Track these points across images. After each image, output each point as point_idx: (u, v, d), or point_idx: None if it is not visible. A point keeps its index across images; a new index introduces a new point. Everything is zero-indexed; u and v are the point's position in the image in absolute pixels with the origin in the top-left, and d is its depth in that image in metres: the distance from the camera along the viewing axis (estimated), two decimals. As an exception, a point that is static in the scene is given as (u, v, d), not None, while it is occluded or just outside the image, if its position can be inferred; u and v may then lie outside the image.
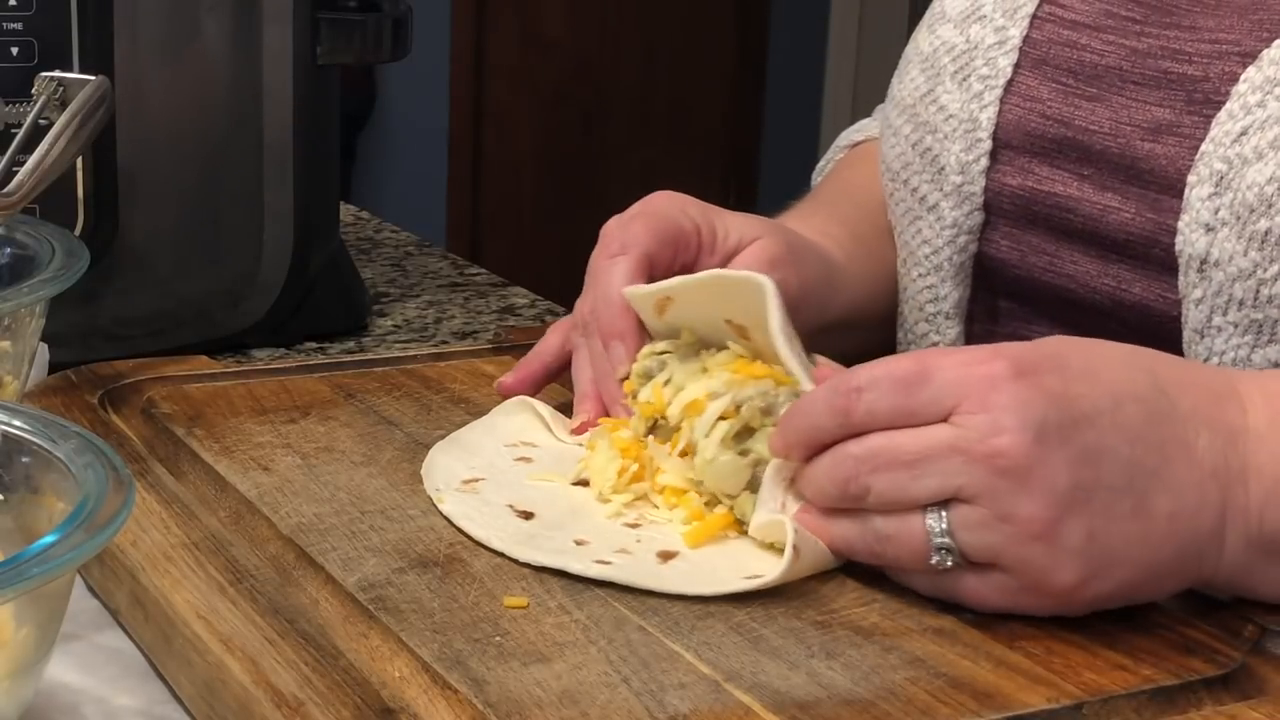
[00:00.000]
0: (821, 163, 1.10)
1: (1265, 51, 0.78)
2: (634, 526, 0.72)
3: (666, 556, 0.69)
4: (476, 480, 0.76)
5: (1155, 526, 0.63)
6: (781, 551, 0.67)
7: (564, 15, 4.28)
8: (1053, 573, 0.63)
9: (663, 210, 0.85)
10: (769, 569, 0.67)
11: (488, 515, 0.72)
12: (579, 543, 0.70)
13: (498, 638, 0.62)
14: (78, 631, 0.68)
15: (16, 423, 0.60)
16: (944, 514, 0.63)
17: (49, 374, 0.88)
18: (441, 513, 0.73)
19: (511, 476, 0.76)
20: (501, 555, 0.69)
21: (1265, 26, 0.79)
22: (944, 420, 0.63)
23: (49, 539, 0.52)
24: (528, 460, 0.78)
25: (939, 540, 0.63)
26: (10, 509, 0.60)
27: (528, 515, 0.73)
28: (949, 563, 0.64)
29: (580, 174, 4.31)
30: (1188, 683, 0.61)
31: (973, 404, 0.63)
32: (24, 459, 0.60)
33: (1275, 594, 0.66)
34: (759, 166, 4.67)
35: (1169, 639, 0.64)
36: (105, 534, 0.53)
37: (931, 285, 0.92)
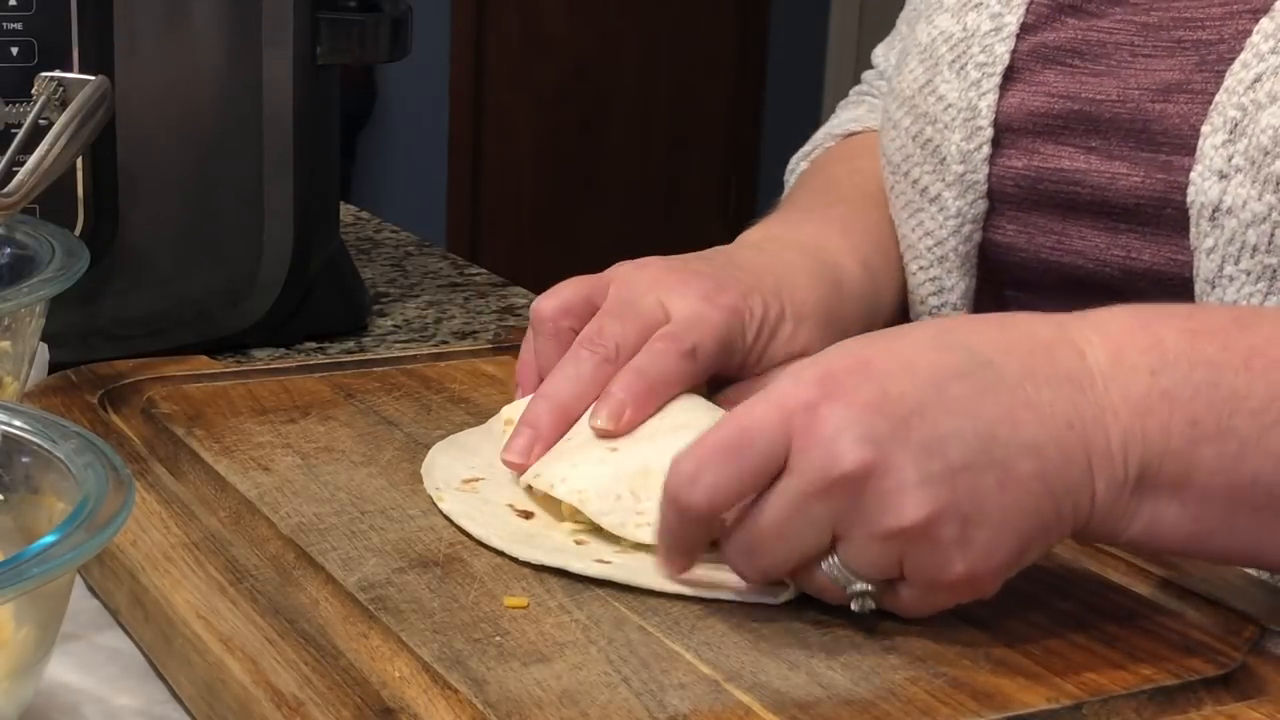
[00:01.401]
0: (808, 147, 1.08)
1: (1277, 2, 0.78)
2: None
3: None
4: (476, 480, 0.76)
5: (1026, 490, 0.62)
6: None
7: (564, 15, 4.28)
8: (945, 568, 0.62)
9: (734, 309, 0.80)
10: None
11: (487, 514, 0.72)
12: (579, 542, 0.70)
13: (498, 638, 0.62)
14: (78, 631, 0.68)
15: (16, 423, 0.60)
16: (834, 559, 0.63)
17: (49, 374, 0.88)
18: (441, 511, 0.73)
19: (511, 476, 0.76)
20: (502, 554, 0.69)
21: None
22: (784, 469, 0.62)
23: (49, 539, 0.52)
24: None
25: (849, 588, 0.63)
26: (10, 509, 0.60)
27: (528, 515, 0.73)
28: (870, 604, 0.63)
29: (580, 174, 4.31)
30: (1188, 683, 0.61)
31: (801, 443, 0.62)
32: (24, 459, 0.60)
33: (1136, 537, 0.65)
34: (759, 166, 4.67)
35: (1169, 639, 0.64)
36: (105, 534, 0.53)
37: (935, 277, 0.92)
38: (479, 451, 0.79)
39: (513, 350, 0.93)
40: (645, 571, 0.67)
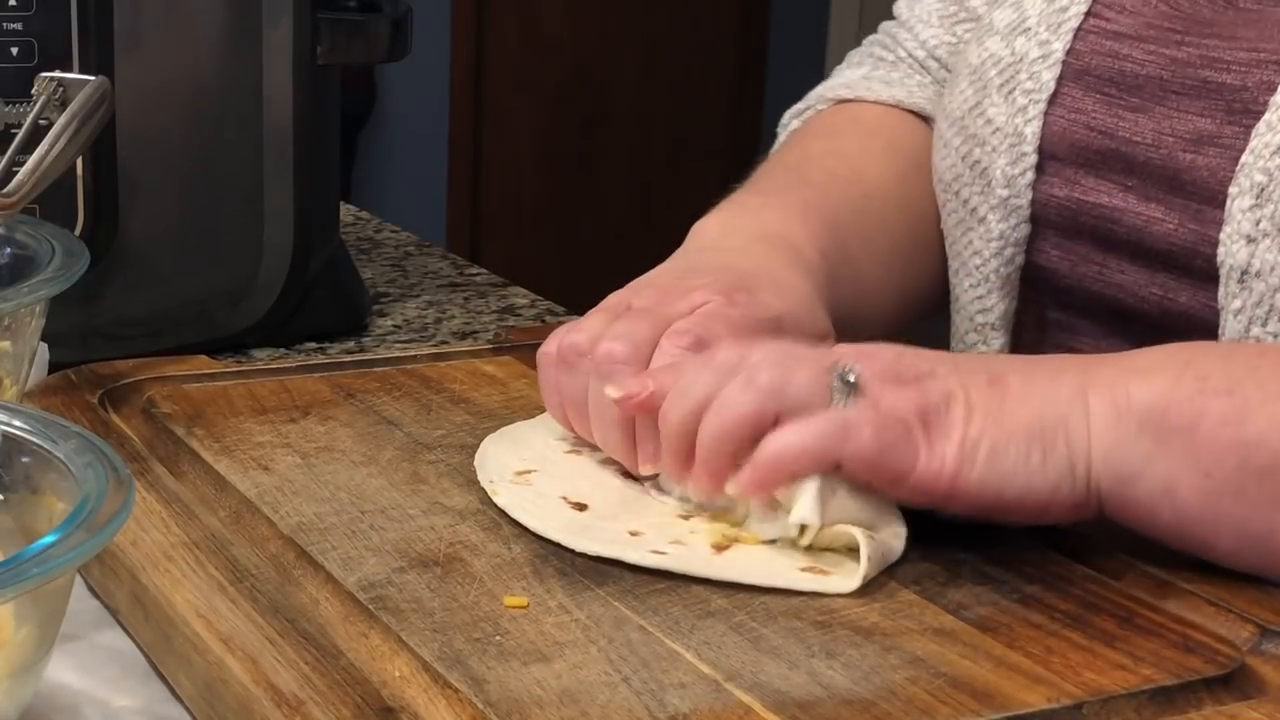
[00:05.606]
0: (802, 105, 1.07)
1: None
2: (686, 519, 0.72)
3: (720, 549, 0.70)
4: (529, 471, 0.76)
5: (1010, 391, 0.68)
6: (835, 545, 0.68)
7: (564, 15, 4.28)
8: (924, 386, 0.67)
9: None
10: (825, 562, 0.68)
11: (541, 507, 0.73)
12: (633, 534, 0.70)
13: (498, 637, 0.62)
14: (78, 631, 0.68)
15: (16, 423, 0.60)
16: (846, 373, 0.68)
17: (49, 374, 0.88)
18: (497, 504, 0.73)
19: (563, 469, 0.77)
20: (558, 545, 0.69)
21: None
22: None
23: (49, 539, 0.52)
24: (579, 452, 0.78)
25: (840, 373, 0.68)
26: (10, 509, 0.60)
27: (581, 507, 0.73)
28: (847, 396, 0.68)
29: (580, 174, 4.31)
30: (1188, 683, 0.61)
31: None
32: (24, 459, 0.60)
33: (1155, 494, 0.67)
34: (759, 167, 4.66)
35: (1169, 639, 0.64)
36: (105, 534, 0.53)
37: (980, 296, 0.92)
38: (530, 444, 0.79)
39: (513, 350, 0.93)
40: (699, 561, 0.68)
